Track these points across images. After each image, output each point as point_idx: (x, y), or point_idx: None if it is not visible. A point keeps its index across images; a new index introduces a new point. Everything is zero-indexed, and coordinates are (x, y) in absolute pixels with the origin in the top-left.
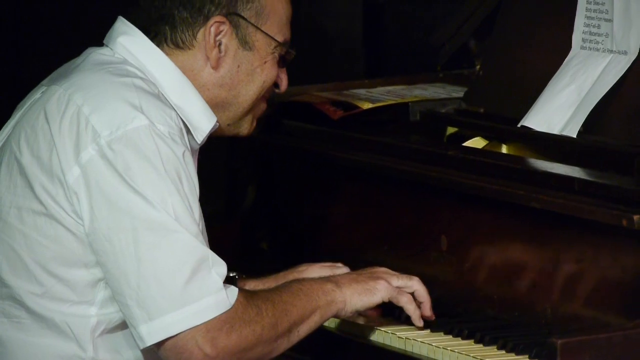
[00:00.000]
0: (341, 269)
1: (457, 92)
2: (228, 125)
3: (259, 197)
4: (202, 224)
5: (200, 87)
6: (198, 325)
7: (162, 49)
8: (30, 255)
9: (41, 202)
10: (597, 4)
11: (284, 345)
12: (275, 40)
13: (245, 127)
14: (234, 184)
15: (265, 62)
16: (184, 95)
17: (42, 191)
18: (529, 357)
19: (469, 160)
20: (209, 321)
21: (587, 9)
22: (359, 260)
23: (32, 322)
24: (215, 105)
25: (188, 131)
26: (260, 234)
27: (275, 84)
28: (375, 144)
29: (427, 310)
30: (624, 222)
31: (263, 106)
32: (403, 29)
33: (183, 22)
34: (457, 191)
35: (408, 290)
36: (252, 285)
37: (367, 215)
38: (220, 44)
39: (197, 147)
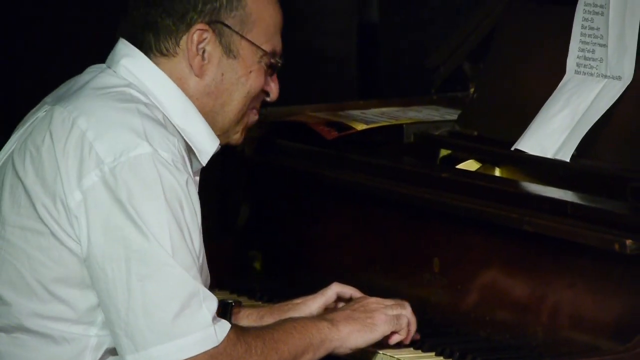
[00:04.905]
0: (332, 290)
1: (451, 114)
2: (218, 135)
3: (252, 216)
4: (202, 252)
5: (189, 97)
6: None
7: (150, 58)
8: (33, 274)
9: (44, 224)
10: (592, 29)
11: None
12: (262, 49)
13: (235, 137)
14: (227, 202)
15: (250, 72)
16: (188, 117)
17: (45, 213)
18: None
19: (462, 182)
20: (195, 356)
21: (582, 34)
22: (351, 281)
23: (30, 339)
24: (204, 115)
25: (192, 152)
26: (253, 253)
27: (266, 93)
28: (368, 165)
29: (415, 333)
30: (616, 247)
31: (254, 116)
32: (397, 50)
33: (166, 30)
34: (449, 213)
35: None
36: (246, 314)
37: (359, 236)
38: (203, 52)
39: (200, 167)
